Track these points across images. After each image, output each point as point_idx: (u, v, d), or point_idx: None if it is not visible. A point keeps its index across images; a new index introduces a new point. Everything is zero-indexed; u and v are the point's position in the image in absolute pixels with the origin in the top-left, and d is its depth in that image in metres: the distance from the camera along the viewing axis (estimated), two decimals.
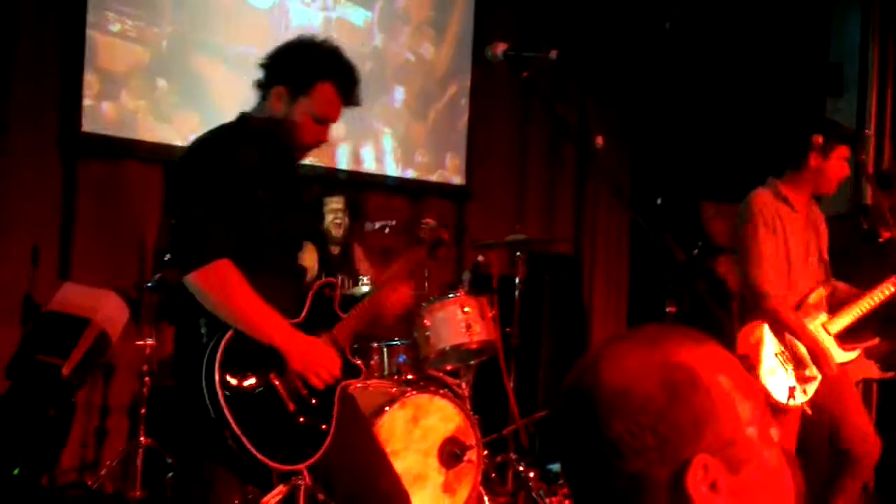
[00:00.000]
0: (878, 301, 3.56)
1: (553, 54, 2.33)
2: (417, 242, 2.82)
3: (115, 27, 4.20)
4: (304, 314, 2.48)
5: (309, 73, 2.44)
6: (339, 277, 4.01)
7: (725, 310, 5.08)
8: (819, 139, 3.38)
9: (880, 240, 4.05)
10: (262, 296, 2.35)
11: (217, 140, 2.46)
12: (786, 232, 3.48)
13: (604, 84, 6.07)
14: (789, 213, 3.51)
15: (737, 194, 5.42)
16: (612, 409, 0.97)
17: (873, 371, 4.15)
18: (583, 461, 1.01)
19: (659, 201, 5.63)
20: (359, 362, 2.60)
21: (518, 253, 4.46)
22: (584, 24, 6.03)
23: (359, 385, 3.43)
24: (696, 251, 5.23)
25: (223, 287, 2.32)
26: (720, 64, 5.94)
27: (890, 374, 4.14)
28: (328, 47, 2.50)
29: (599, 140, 2.57)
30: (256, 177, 2.42)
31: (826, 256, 3.63)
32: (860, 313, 3.56)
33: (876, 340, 4.09)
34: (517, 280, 4.41)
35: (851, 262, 4.15)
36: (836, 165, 3.43)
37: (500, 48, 2.25)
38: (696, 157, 5.95)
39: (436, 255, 2.83)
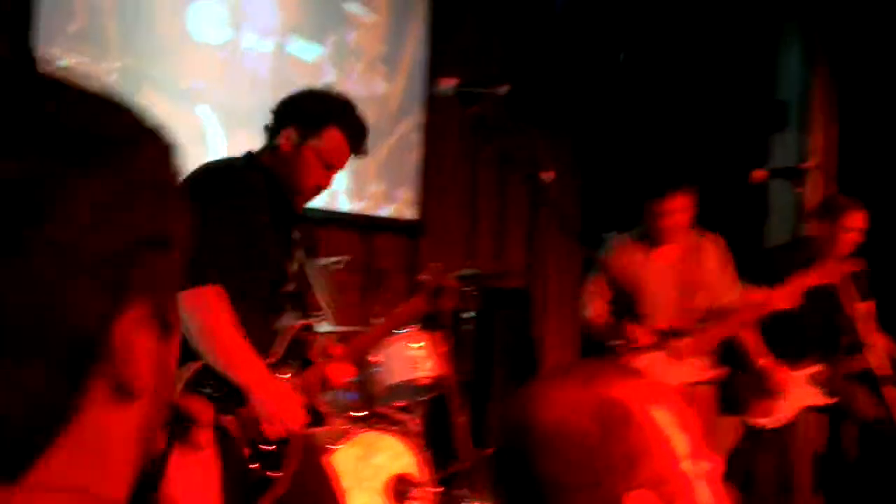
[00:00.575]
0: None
1: (502, 89, 2.35)
2: (417, 289, 2.77)
3: (64, 62, 4.15)
4: (279, 354, 2.44)
5: (322, 115, 2.47)
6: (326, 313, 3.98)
7: None
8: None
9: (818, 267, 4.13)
10: (245, 328, 2.30)
11: (227, 166, 2.45)
12: None
13: (556, 117, 6.14)
14: None
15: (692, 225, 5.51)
16: (547, 447, 0.97)
17: (818, 398, 4.21)
18: (519, 499, 1.00)
19: (607, 235, 5.67)
20: (324, 409, 2.55)
21: (469, 288, 4.45)
22: (538, 57, 6.11)
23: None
24: None
25: (209, 313, 2.25)
26: (670, 98, 6.05)
27: (832, 401, 4.21)
28: (341, 96, 2.58)
29: (547, 175, 2.61)
30: (265, 203, 2.41)
31: None
32: None
33: (820, 367, 4.18)
34: (469, 315, 4.40)
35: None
36: None
37: (450, 83, 2.26)
38: (646, 189, 6.01)
39: (437, 304, 2.76)
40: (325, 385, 2.55)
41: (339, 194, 5.20)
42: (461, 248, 5.69)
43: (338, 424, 3.66)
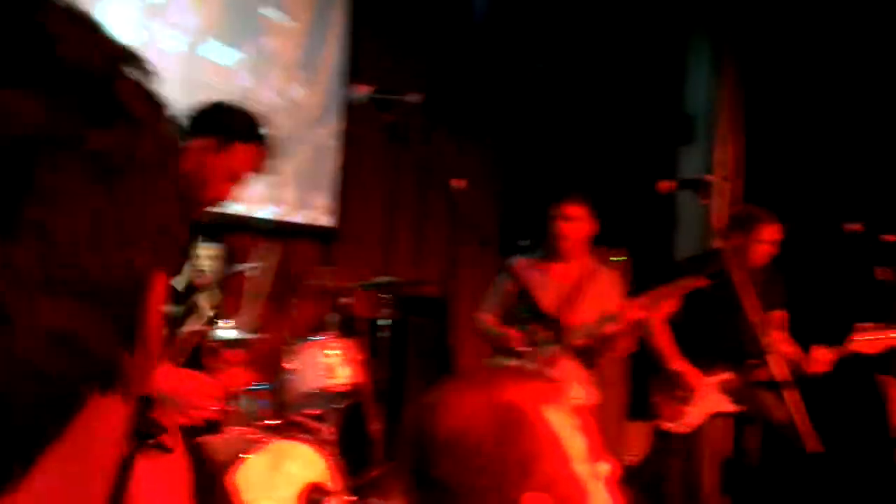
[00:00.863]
0: None
1: (416, 97, 2.37)
2: (322, 294, 2.80)
3: None
4: (179, 361, 2.41)
5: (236, 130, 2.49)
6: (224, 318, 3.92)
7: None
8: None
9: (728, 278, 4.27)
10: None
11: None
12: None
13: (474, 125, 6.20)
14: None
15: (600, 235, 5.63)
16: (447, 452, 0.98)
17: (727, 405, 4.32)
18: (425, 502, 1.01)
19: (523, 243, 5.75)
20: (223, 414, 2.52)
21: (385, 295, 4.46)
22: (457, 65, 6.15)
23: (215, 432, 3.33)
24: None
25: None
26: (583, 109, 6.17)
27: (740, 408, 4.33)
28: (255, 114, 2.59)
29: (459, 183, 2.64)
30: None
31: None
32: None
33: (730, 375, 4.30)
34: (384, 322, 4.40)
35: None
36: None
37: (363, 90, 2.27)
38: (560, 198, 6.12)
39: (337, 308, 2.78)
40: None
41: (253, 199, 5.13)
42: (378, 256, 5.68)
43: (248, 433, 3.60)
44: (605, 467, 1.05)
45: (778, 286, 4.45)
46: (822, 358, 4.06)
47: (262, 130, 2.57)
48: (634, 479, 4.62)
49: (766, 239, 4.24)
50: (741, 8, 5.92)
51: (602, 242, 5.55)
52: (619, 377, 5.50)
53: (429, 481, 0.99)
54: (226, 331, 3.78)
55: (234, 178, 2.49)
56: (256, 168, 2.55)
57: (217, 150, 2.46)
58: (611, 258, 5.50)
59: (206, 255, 4.14)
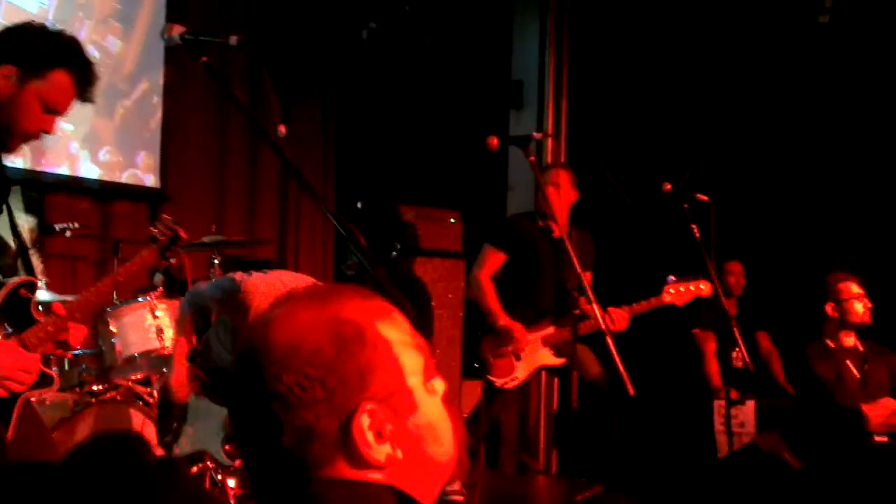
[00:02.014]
0: None
1: (233, 39, 2.28)
2: (150, 241, 2.62)
3: None
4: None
5: (48, 56, 2.27)
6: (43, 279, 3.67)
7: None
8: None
9: (553, 236, 4.44)
10: None
11: None
12: None
13: (307, 85, 6.10)
14: None
15: (432, 198, 5.69)
16: (282, 363, 0.98)
17: (551, 359, 4.49)
18: (252, 421, 1.00)
19: (359, 204, 5.74)
20: (52, 371, 2.37)
21: (214, 255, 4.33)
22: (287, 23, 6.02)
23: (34, 399, 3.14)
24: (394, 253, 5.39)
25: None
26: (417, 74, 6.20)
27: (562, 361, 4.50)
28: (69, 37, 2.36)
29: (282, 129, 2.58)
30: None
31: None
32: None
33: (552, 329, 4.47)
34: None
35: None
36: None
37: (177, 30, 2.17)
38: (396, 161, 6.16)
39: (169, 257, 2.63)
40: (62, 345, 2.39)
41: (71, 158, 4.85)
42: (209, 216, 5.48)
43: (67, 400, 3.44)
44: (440, 384, 1.07)
45: (588, 246, 4.66)
46: (619, 317, 4.28)
47: (81, 54, 2.36)
48: (469, 432, 4.74)
49: (557, 182, 4.44)
50: None
51: (436, 204, 5.64)
52: (454, 336, 5.61)
53: (264, 395, 0.97)
54: (39, 292, 3.58)
55: (52, 109, 2.30)
56: (78, 97, 2.35)
57: (28, 78, 2.26)
58: (445, 219, 5.60)
59: (27, 223, 3.90)
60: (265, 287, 2.81)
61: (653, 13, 5.89)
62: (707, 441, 4.99)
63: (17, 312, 2.31)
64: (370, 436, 0.98)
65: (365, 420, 0.97)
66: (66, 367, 3.68)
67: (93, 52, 4.87)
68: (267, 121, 5.17)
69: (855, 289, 4.57)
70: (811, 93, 5.75)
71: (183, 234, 2.61)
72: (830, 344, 4.58)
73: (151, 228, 2.64)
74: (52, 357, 3.57)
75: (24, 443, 2.27)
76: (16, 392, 2.23)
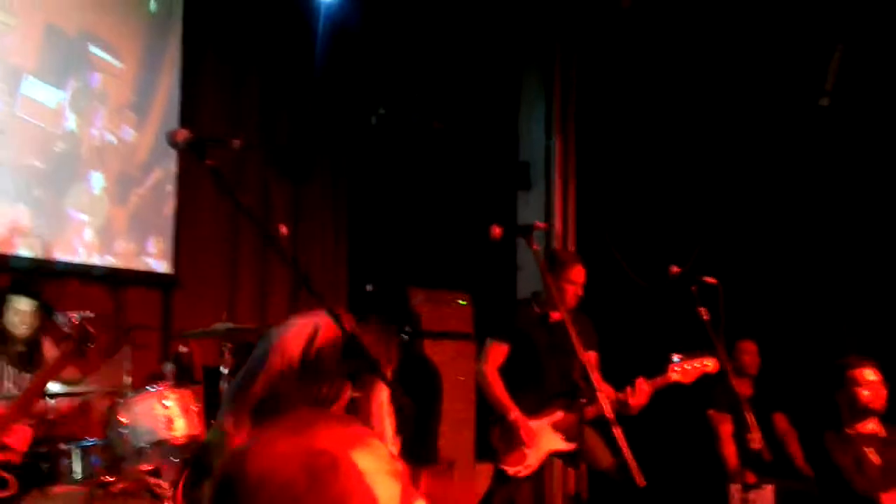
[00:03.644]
0: None
1: (237, 143, 2.34)
2: (64, 338, 2.68)
3: None
4: None
5: None
6: None
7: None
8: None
9: (550, 321, 4.43)
10: None
11: None
12: None
13: (317, 170, 6.19)
14: None
15: (442, 280, 5.71)
16: (252, 495, 0.97)
17: (561, 443, 4.45)
18: None
19: (369, 287, 5.75)
20: (8, 475, 2.36)
21: (226, 342, 4.34)
22: (297, 110, 6.14)
23: (39, 493, 3.13)
24: (405, 336, 5.39)
25: None
26: (425, 158, 6.29)
27: (573, 446, 4.45)
28: None
29: (282, 228, 2.64)
30: None
31: None
32: None
33: (560, 414, 4.44)
34: (224, 371, 4.28)
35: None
36: None
37: (181, 136, 2.22)
38: (406, 244, 6.21)
39: (84, 350, 2.68)
40: (3, 448, 2.38)
41: (84, 246, 4.92)
42: (221, 303, 5.51)
43: (75, 494, 3.42)
44: None
45: (588, 328, 4.65)
46: (641, 390, 4.26)
47: None
48: None
49: (575, 280, 4.44)
50: (571, 53, 6.23)
51: (446, 286, 5.66)
52: (467, 418, 5.57)
53: None
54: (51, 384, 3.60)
55: None
56: None
57: None
58: (455, 301, 5.61)
59: (23, 311, 3.93)
60: (291, 334, 2.85)
61: (658, 95, 5.99)
62: None
63: None
64: None
65: None
66: (79, 458, 3.65)
67: (107, 141, 5.00)
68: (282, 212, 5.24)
69: (870, 375, 4.46)
70: (814, 173, 5.80)
71: (91, 329, 2.68)
72: (849, 432, 4.45)
73: (62, 328, 2.71)
74: (62, 447, 3.59)
75: None
76: None
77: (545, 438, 4.42)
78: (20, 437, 2.37)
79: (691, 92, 5.91)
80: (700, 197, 5.93)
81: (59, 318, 4.02)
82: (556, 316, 4.26)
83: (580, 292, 4.49)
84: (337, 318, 2.56)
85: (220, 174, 2.23)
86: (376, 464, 1.03)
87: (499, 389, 4.46)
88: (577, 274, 4.46)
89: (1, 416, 2.34)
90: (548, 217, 6.10)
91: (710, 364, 4.38)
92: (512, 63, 6.45)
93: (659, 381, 4.33)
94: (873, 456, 4.32)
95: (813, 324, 5.76)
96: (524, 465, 4.40)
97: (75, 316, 2.69)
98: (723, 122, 5.87)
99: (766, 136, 5.82)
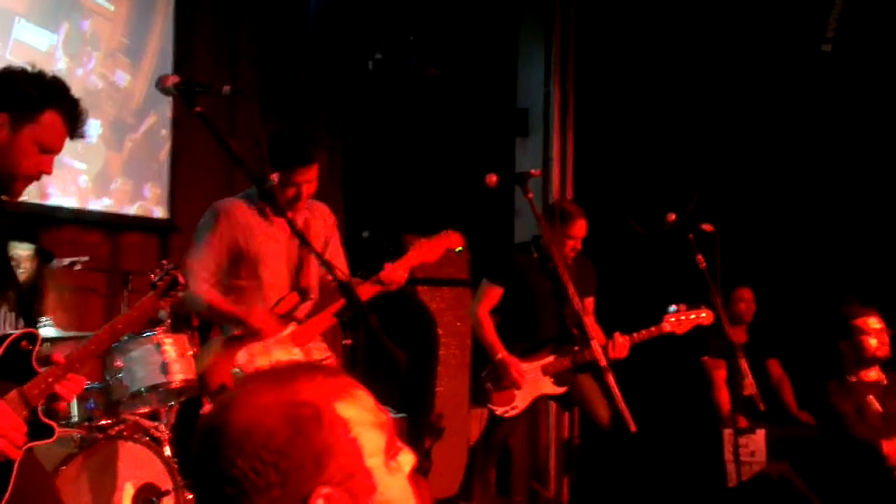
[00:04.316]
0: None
1: (226, 89, 2.32)
2: (151, 288, 2.65)
3: None
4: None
5: (37, 100, 2.32)
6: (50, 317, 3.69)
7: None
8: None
9: (549, 265, 4.45)
10: None
11: None
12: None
13: (313, 117, 6.14)
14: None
15: (439, 226, 5.71)
16: (237, 447, 0.98)
17: (549, 387, 4.51)
18: (211, 502, 1.00)
19: (365, 234, 5.77)
20: (51, 422, 2.38)
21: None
22: (292, 56, 6.07)
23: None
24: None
25: None
26: (422, 104, 6.24)
27: (563, 390, 4.52)
28: (53, 77, 2.41)
29: (274, 177, 2.63)
30: None
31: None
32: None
33: (551, 358, 4.48)
34: None
35: None
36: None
37: (171, 81, 2.20)
38: (402, 191, 6.19)
39: (168, 299, 2.66)
40: (53, 399, 2.39)
41: (80, 190, 4.90)
42: None
43: (74, 435, 3.45)
44: (407, 459, 1.07)
45: (589, 273, 4.68)
46: (620, 344, 4.29)
47: (69, 94, 2.40)
48: (478, 460, 4.75)
49: (576, 235, 4.45)
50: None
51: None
52: (462, 364, 5.62)
53: (219, 478, 0.98)
54: (45, 328, 3.61)
55: (48, 150, 2.35)
56: (69, 135, 2.40)
57: (22, 122, 2.31)
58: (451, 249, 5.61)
59: (23, 256, 3.93)
60: None
61: (657, 42, 5.92)
62: (717, 470, 4.96)
63: (18, 365, 2.32)
64: None
65: None
66: (74, 402, 3.69)
67: (100, 85, 4.95)
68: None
69: (874, 323, 4.47)
70: (815, 120, 5.75)
71: (182, 278, 2.63)
72: (851, 379, 4.48)
73: (151, 276, 2.67)
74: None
75: (23, 494, 2.27)
76: (11, 457, 2.22)
77: (535, 382, 4.48)
78: (74, 386, 2.39)
79: (691, 37, 5.84)
80: (698, 144, 5.90)
81: (76, 266, 4.00)
82: (555, 261, 4.27)
83: (579, 246, 4.51)
84: (330, 268, 2.57)
85: (209, 121, 2.21)
86: (361, 414, 1.03)
87: (489, 330, 4.52)
88: (580, 229, 4.48)
89: (61, 365, 2.35)
90: (545, 164, 6.08)
91: (705, 316, 4.41)
92: (510, 9, 6.36)
93: (645, 333, 4.37)
94: (875, 403, 4.36)
95: (810, 270, 5.77)
96: (511, 405, 4.47)
97: (167, 265, 2.66)
98: (723, 70, 5.81)
99: (767, 82, 5.77)
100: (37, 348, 2.37)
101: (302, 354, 3.45)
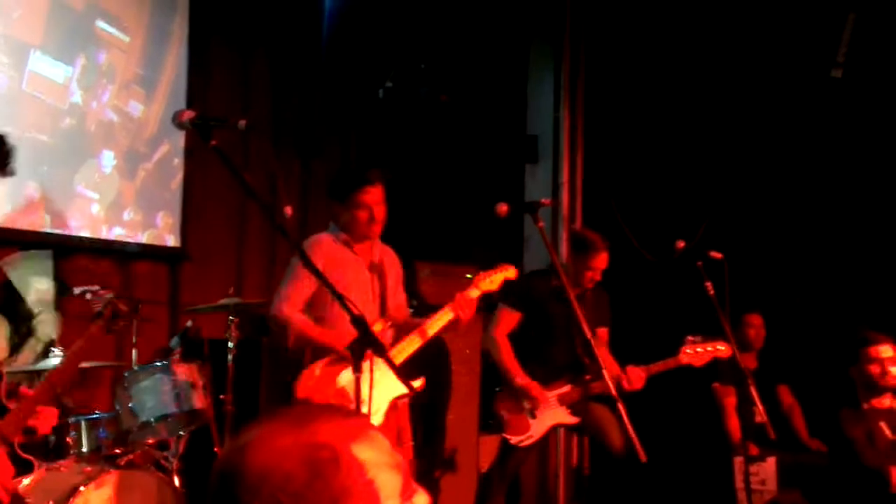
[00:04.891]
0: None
1: (242, 124, 2.34)
2: (95, 317, 2.68)
3: None
4: None
5: None
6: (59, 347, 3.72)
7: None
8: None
9: (565, 295, 4.43)
10: None
11: None
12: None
13: (325, 144, 6.18)
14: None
15: (448, 254, 5.72)
16: (253, 491, 0.98)
17: (566, 417, 4.48)
18: None
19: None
20: (29, 457, 2.38)
21: (232, 317, 4.38)
22: (302, 83, 6.12)
23: (45, 468, 3.17)
24: (411, 310, 5.41)
25: None
26: (433, 131, 6.27)
27: (578, 420, 4.50)
28: None
29: (288, 210, 2.66)
30: None
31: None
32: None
33: (568, 388, 4.46)
34: (231, 345, 4.31)
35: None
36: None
37: (187, 116, 2.22)
38: (413, 218, 6.21)
39: (114, 329, 2.69)
40: (29, 432, 2.40)
41: (93, 220, 4.94)
42: (228, 277, 5.53)
43: (83, 466, 3.46)
44: (422, 501, 1.07)
45: (603, 304, 4.67)
46: (636, 376, 4.28)
47: None
48: (488, 489, 4.72)
49: (596, 266, 4.45)
50: (580, 22, 6.18)
51: (453, 260, 5.66)
52: (472, 391, 5.60)
53: None
54: (57, 358, 3.63)
55: None
56: None
57: None
58: (463, 275, 5.61)
59: (42, 290, 3.96)
60: None
61: (667, 68, 5.94)
62: (728, 499, 4.92)
63: None
64: None
65: None
66: (85, 432, 3.69)
67: (115, 118, 5.00)
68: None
69: (887, 352, 4.45)
70: (825, 146, 5.75)
71: (122, 307, 2.68)
72: (865, 407, 4.46)
73: (93, 306, 2.71)
74: (70, 421, 3.62)
75: None
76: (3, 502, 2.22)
77: (550, 410, 4.45)
78: (46, 419, 2.39)
79: (701, 62, 5.86)
80: (707, 171, 5.90)
81: (87, 295, 4.03)
82: (571, 290, 4.27)
83: (598, 278, 4.50)
84: (343, 303, 2.56)
85: (224, 155, 2.23)
86: (378, 456, 1.03)
87: (507, 354, 4.49)
88: (601, 261, 4.47)
89: (28, 398, 2.35)
90: (555, 191, 6.08)
91: (723, 348, 4.38)
92: (520, 35, 6.40)
93: (662, 365, 4.36)
94: (886, 429, 4.33)
95: (820, 296, 5.75)
96: (527, 434, 4.44)
97: (106, 294, 2.69)
98: (732, 96, 5.82)
99: (777, 108, 5.77)
100: (3, 385, 2.37)
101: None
